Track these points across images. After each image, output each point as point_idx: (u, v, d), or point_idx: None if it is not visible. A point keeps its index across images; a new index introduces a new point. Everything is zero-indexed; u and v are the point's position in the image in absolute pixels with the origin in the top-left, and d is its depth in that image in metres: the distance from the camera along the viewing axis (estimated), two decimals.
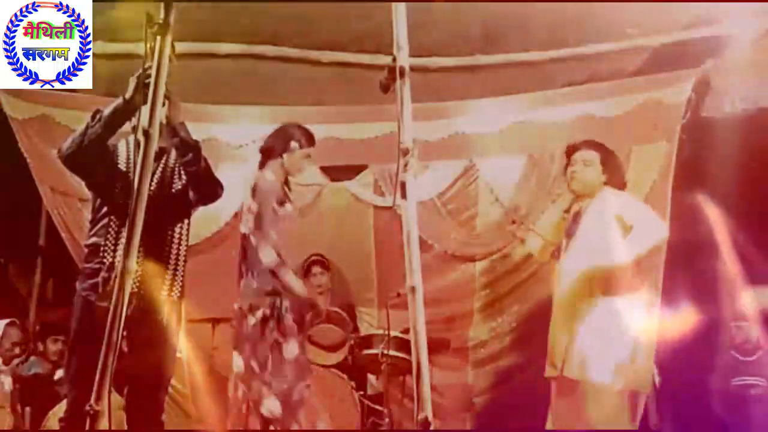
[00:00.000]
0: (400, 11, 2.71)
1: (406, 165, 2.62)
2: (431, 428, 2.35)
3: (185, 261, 3.25)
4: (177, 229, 3.22)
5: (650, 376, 4.09)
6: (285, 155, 3.92)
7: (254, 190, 3.83)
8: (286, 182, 4.00)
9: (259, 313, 3.71)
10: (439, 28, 4.37)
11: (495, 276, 5.28)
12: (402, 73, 2.64)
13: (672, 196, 4.74)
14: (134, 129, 2.72)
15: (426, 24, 4.05)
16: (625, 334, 3.78)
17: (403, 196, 2.61)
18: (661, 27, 4.57)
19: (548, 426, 3.98)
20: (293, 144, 3.93)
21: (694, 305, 4.82)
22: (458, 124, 5.19)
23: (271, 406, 3.65)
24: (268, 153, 3.96)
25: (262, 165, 3.95)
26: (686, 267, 5.00)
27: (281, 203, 3.85)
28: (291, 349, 3.74)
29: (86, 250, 3.20)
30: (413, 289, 2.51)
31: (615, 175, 4.08)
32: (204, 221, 4.85)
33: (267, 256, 3.72)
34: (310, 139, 3.99)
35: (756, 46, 4.43)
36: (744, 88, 4.59)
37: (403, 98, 2.63)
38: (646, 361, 3.97)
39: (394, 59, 2.67)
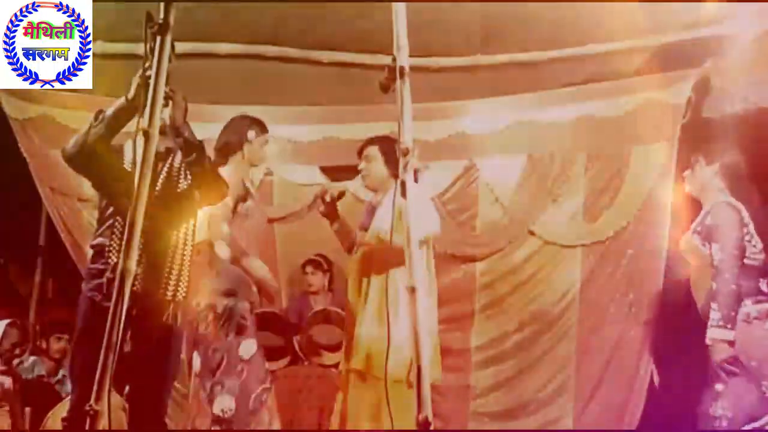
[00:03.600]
0: (400, 11, 2.71)
1: (406, 165, 2.62)
2: (431, 428, 2.35)
3: (190, 261, 3.24)
4: (182, 229, 3.21)
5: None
6: (245, 146, 3.88)
7: None
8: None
9: (213, 313, 3.74)
10: (439, 28, 4.37)
11: (495, 276, 5.28)
12: (402, 73, 2.63)
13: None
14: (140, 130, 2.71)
15: (426, 24, 4.05)
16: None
17: (403, 195, 2.61)
18: (661, 27, 4.57)
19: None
20: (250, 133, 3.88)
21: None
22: (458, 124, 5.20)
23: (224, 404, 3.65)
24: (225, 150, 3.89)
25: (220, 164, 3.81)
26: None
27: (243, 200, 3.82)
28: (247, 348, 3.75)
29: (92, 251, 3.20)
30: (413, 289, 2.50)
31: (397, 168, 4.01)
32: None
33: (220, 250, 3.72)
34: (263, 126, 3.94)
35: (756, 46, 4.43)
36: (744, 88, 4.59)
37: (403, 98, 2.63)
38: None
39: (394, 59, 2.66)
